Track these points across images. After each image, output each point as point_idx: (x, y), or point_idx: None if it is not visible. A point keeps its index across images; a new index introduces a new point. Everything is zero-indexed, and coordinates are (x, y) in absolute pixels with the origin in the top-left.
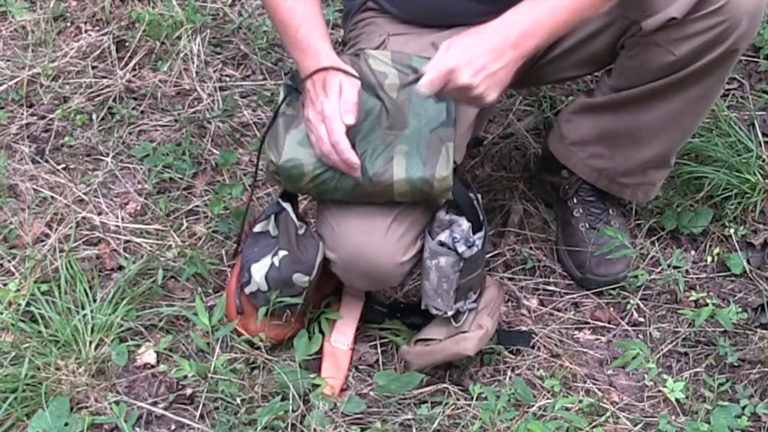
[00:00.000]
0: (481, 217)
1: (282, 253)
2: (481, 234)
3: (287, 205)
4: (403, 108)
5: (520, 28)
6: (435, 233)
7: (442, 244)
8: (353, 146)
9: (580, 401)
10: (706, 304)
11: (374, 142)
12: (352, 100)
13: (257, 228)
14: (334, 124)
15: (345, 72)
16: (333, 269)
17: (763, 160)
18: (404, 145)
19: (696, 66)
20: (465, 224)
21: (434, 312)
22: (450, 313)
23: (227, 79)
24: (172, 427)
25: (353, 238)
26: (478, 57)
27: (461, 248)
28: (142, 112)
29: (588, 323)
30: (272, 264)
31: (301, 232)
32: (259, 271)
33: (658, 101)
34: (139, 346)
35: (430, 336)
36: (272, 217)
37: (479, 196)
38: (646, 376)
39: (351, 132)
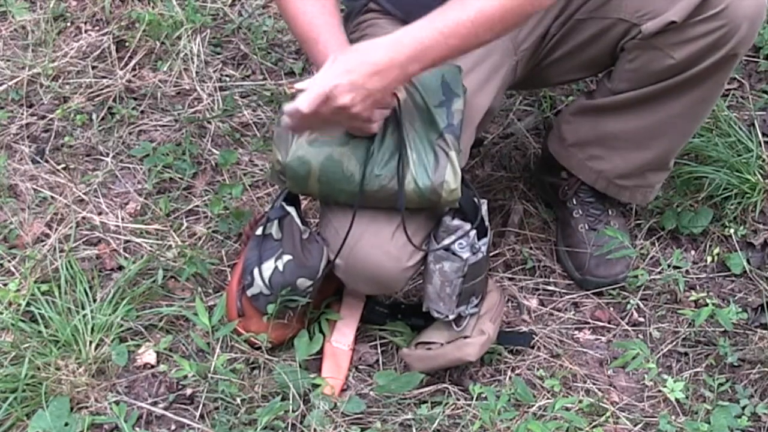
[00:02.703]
0: (486, 224)
1: (286, 257)
2: (485, 240)
3: (291, 209)
4: (410, 112)
5: (410, 51)
6: (440, 238)
7: (446, 249)
8: (368, 156)
9: (580, 401)
10: (706, 304)
11: (384, 144)
12: None
13: (260, 230)
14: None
15: None
16: (337, 273)
17: (763, 160)
18: (413, 151)
19: (695, 70)
20: (470, 230)
21: (436, 315)
22: (451, 317)
23: (227, 79)
24: (172, 427)
25: (358, 243)
26: (359, 76)
27: (466, 254)
28: (142, 112)
29: (588, 323)
30: (276, 268)
31: (305, 236)
32: (262, 274)
33: (657, 104)
34: (139, 346)
35: (431, 339)
36: (276, 221)
37: (484, 202)
38: (646, 376)
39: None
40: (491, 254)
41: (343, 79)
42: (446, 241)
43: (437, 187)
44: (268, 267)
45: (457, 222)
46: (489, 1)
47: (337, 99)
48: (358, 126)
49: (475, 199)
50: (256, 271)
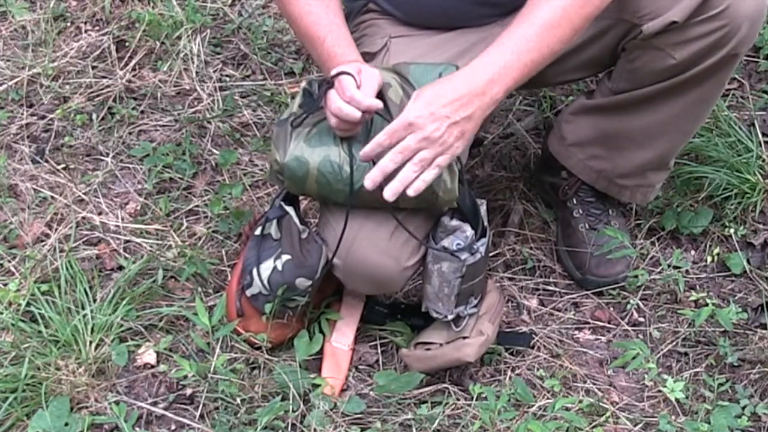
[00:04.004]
0: (485, 224)
1: (285, 257)
2: (484, 241)
3: (290, 209)
4: None
5: (488, 76)
6: (439, 238)
7: (445, 249)
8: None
9: (580, 401)
10: (706, 304)
11: None
12: (371, 84)
13: (259, 230)
14: (347, 86)
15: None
16: (336, 273)
17: (763, 160)
18: None
19: (696, 70)
20: (469, 231)
21: (434, 315)
22: (450, 317)
23: (227, 79)
24: (172, 427)
25: (357, 243)
26: (441, 107)
27: (464, 255)
28: (142, 112)
29: (588, 323)
30: (275, 267)
31: (304, 236)
32: (261, 274)
33: (657, 104)
34: (139, 346)
35: (431, 339)
36: (274, 221)
37: (483, 202)
38: (646, 376)
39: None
40: (491, 254)
41: (424, 111)
42: (445, 242)
43: (434, 186)
44: (267, 267)
45: (455, 222)
46: (551, 11)
47: (422, 129)
48: (446, 154)
49: (475, 200)
50: (255, 271)
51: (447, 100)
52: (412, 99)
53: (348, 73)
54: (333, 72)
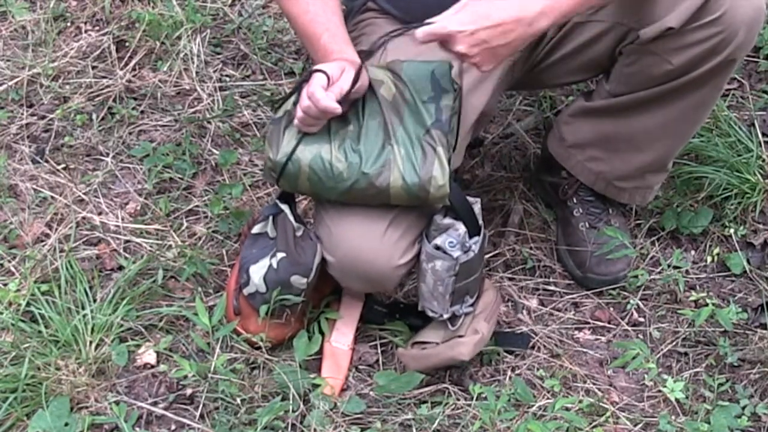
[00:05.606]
0: (479, 222)
1: (280, 255)
2: (478, 239)
3: (285, 207)
4: (398, 109)
5: (539, 6)
6: (432, 236)
7: (438, 248)
8: (353, 150)
9: (580, 401)
10: (706, 304)
11: (371, 142)
12: (341, 85)
13: (255, 229)
14: (314, 82)
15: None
16: (330, 271)
17: (763, 160)
18: (401, 147)
19: (693, 75)
20: (462, 229)
21: (430, 314)
22: (446, 316)
23: (227, 79)
24: (172, 427)
25: (350, 240)
26: (483, 29)
27: (457, 253)
28: (142, 112)
29: (588, 323)
30: (270, 266)
31: (299, 234)
32: (257, 272)
33: (655, 107)
34: (139, 346)
35: (427, 339)
36: (270, 218)
37: (477, 200)
38: (646, 376)
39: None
40: (491, 254)
41: (467, 29)
42: (437, 240)
43: (425, 183)
44: (263, 265)
45: (448, 220)
46: None
47: (455, 45)
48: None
49: (469, 198)
50: (251, 269)
51: (492, 22)
52: (461, 5)
53: (322, 72)
54: (312, 68)
